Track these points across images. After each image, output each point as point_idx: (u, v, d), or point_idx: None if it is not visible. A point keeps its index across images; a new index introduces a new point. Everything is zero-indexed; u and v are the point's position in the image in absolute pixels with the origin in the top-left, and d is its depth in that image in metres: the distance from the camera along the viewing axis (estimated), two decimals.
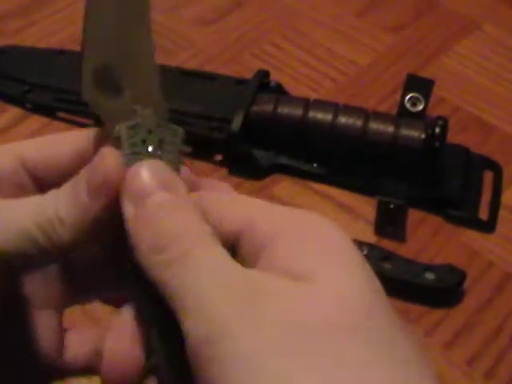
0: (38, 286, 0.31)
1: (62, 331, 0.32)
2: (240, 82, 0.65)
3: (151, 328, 0.27)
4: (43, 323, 0.31)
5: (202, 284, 0.24)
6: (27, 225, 0.27)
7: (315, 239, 0.25)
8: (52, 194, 0.28)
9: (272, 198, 0.60)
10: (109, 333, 0.29)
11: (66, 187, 0.28)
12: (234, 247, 0.26)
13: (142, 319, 0.28)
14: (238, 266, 0.24)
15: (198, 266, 0.24)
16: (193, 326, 0.23)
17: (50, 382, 0.32)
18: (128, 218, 0.26)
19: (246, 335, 0.22)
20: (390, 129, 0.59)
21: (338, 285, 0.24)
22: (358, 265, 0.25)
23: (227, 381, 0.22)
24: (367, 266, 0.25)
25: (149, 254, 0.25)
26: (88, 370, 0.33)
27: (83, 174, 0.28)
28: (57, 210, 0.27)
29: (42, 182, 0.31)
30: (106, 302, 0.34)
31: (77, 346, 0.32)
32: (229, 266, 0.24)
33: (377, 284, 0.25)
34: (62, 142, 0.31)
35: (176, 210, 0.26)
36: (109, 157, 0.27)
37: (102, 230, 0.28)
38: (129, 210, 0.26)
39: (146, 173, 0.27)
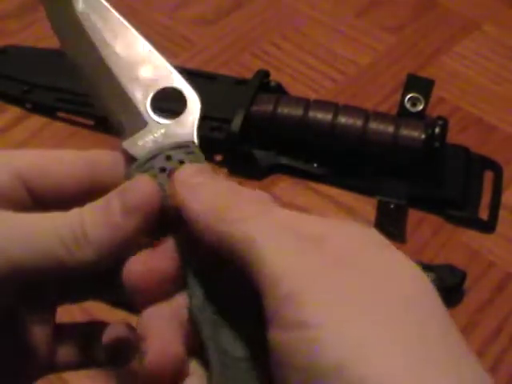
0: (30, 288, 0.30)
1: (53, 329, 0.31)
2: (240, 82, 0.65)
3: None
4: (35, 321, 0.31)
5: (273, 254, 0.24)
6: (50, 240, 0.27)
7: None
8: (76, 211, 0.28)
9: None
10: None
11: (94, 205, 0.28)
12: None
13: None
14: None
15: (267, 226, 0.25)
16: (270, 285, 0.23)
17: (44, 376, 0.32)
18: (181, 203, 0.27)
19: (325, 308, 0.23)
20: (390, 129, 0.59)
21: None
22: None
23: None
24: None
25: (212, 219, 0.26)
26: (81, 364, 0.33)
27: (117, 194, 0.28)
28: (83, 227, 0.27)
29: (38, 195, 0.30)
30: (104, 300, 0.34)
31: (69, 342, 0.32)
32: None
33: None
34: (60, 159, 0.31)
35: (217, 181, 0.28)
36: (146, 182, 0.28)
37: (127, 249, 0.28)
38: (179, 198, 0.27)
39: (184, 172, 0.28)
